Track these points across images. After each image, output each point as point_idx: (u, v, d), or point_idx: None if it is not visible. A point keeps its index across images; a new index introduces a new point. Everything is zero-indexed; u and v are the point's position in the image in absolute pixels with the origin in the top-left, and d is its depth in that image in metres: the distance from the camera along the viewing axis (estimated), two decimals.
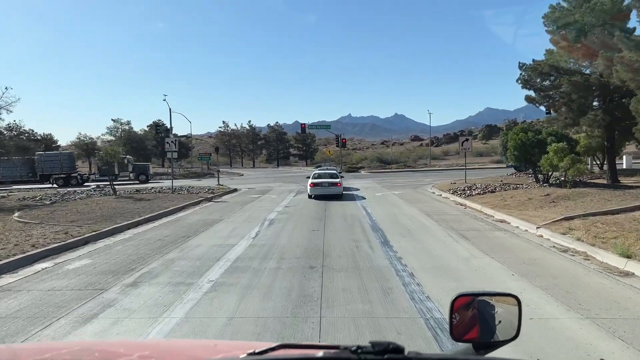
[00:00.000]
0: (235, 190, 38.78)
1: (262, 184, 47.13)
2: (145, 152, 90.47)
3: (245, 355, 1.44)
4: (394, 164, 76.75)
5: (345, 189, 33.21)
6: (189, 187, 40.36)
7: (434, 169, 65.44)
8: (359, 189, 35.62)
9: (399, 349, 1.36)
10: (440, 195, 28.99)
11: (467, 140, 33.01)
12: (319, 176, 30.62)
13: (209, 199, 30.27)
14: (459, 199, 25.42)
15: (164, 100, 72.29)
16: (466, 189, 28.98)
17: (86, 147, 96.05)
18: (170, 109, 75.90)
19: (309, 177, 31.95)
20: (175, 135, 69.58)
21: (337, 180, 29.32)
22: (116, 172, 53.80)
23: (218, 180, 45.26)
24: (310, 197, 29.32)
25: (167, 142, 32.84)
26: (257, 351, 1.46)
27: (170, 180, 38.34)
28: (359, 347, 1.35)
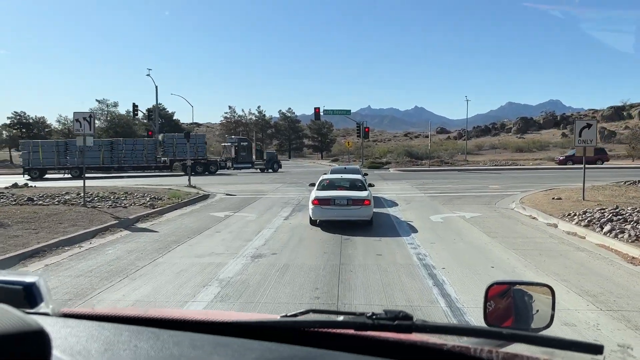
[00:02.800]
0: (204, 197, 25.32)
1: (255, 184, 33.64)
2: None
3: (280, 317, 1.61)
4: (426, 160, 62.57)
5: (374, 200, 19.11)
6: (138, 189, 26.93)
7: (483, 169, 50.88)
8: (395, 203, 21.93)
9: (407, 316, 1.51)
10: (565, 231, 15.13)
11: (588, 127, 18.95)
12: (332, 184, 17.12)
13: (131, 223, 16.76)
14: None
15: (148, 75, 59.23)
16: (613, 215, 15.13)
17: (68, 132, 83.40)
18: (156, 87, 62.09)
19: (313, 185, 18.43)
20: (154, 115, 56.11)
21: (364, 194, 15.72)
22: (253, 160, 54.48)
23: (189, 180, 31.65)
24: (313, 222, 15.84)
25: (77, 120, 19.32)
26: (289, 314, 1.64)
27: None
28: (373, 314, 1.52)
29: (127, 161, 49.41)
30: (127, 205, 20.39)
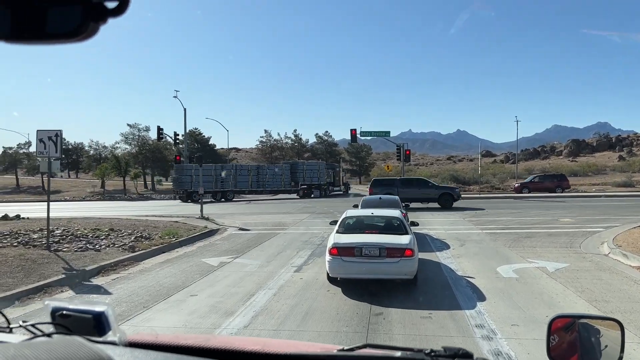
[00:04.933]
0: (210, 233, 20.93)
1: (279, 214, 29.16)
2: (163, 165, 74.17)
3: (336, 351, 1.63)
4: (474, 185, 57.07)
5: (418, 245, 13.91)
6: (147, 220, 22.82)
7: (542, 196, 45.04)
8: (445, 243, 17.00)
9: (468, 354, 1.48)
10: None
11: None
12: (359, 224, 12.40)
13: (86, 277, 12.41)
14: None
15: (175, 97, 55.94)
16: None
17: (99, 157, 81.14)
18: (185, 109, 59.02)
19: (335, 223, 13.57)
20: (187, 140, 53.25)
21: (404, 241, 10.94)
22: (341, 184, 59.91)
23: (201, 211, 27.36)
24: (332, 279, 11.14)
25: (41, 140, 15.24)
26: (346, 348, 1.64)
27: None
28: (432, 350, 1.50)
29: (269, 185, 52.69)
30: (103, 247, 16.08)
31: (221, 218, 26.71)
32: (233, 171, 51.25)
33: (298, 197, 52.06)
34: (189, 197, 46.68)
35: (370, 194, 28.06)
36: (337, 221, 13.06)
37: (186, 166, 48.27)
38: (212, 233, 21.01)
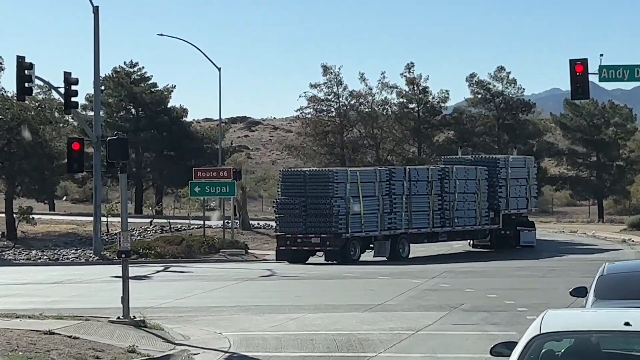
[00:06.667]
0: None
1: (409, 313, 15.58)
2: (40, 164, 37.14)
3: None
4: None
5: None
6: None
7: None
8: None
9: None
10: None
11: None
12: None
13: None
14: None
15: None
16: None
17: None
18: (95, 6, 34.88)
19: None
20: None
21: None
22: None
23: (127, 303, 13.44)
24: None
25: None
26: None
27: None
28: None
29: (460, 217, 30.90)
30: None
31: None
32: (404, 183, 29.41)
33: (476, 244, 32.97)
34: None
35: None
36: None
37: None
38: None
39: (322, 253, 28.01)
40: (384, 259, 28.04)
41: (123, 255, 13.40)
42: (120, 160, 13.66)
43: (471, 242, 32.81)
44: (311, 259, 27.94)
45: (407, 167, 32.91)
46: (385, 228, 28.36)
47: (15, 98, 29.76)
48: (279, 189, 29.20)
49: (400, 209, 28.73)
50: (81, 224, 38.57)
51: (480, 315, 13.63)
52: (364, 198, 27.78)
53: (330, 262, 27.39)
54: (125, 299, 12.72)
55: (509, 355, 3.87)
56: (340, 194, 27.37)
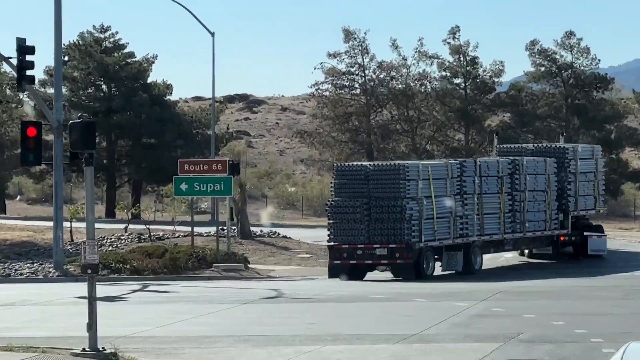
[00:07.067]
0: None
1: None
2: None
3: None
4: None
5: None
6: None
7: None
8: None
9: None
10: None
11: None
12: None
13: None
14: None
15: None
16: None
17: None
18: None
19: None
20: None
21: None
22: None
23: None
24: None
25: None
26: None
27: None
28: None
29: (531, 221, 32.56)
30: None
31: None
32: (474, 180, 30.82)
33: (534, 253, 34.97)
34: None
35: None
36: None
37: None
38: None
39: (384, 267, 28.80)
40: (454, 272, 29.57)
41: (89, 271, 13.71)
42: (85, 150, 13.93)
43: (526, 251, 34.64)
44: (369, 275, 28.92)
45: (477, 159, 33.87)
46: (457, 235, 29.23)
47: None
48: (332, 189, 30.05)
49: (472, 212, 29.72)
50: (39, 230, 39.66)
51: (543, 348, 14.16)
52: (435, 198, 28.78)
53: (399, 278, 28.36)
54: (92, 325, 13.16)
55: None
56: (411, 194, 27.92)
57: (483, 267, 31.19)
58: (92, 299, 13.40)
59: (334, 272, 28.54)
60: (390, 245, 27.63)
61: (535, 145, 40.06)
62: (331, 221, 29.07)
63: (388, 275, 28.96)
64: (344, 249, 28.30)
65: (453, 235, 29.02)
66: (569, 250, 33.92)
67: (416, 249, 27.76)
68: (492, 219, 30.68)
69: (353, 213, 28.19)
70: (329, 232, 29.68)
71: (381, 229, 27.82)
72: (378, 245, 27.77)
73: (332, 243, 28.92)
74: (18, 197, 63.14)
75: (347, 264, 28.19)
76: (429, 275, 28.12)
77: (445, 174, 29.20)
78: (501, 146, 37.68)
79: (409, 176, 28.03)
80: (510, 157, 33.22)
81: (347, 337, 15.68)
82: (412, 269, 27.97)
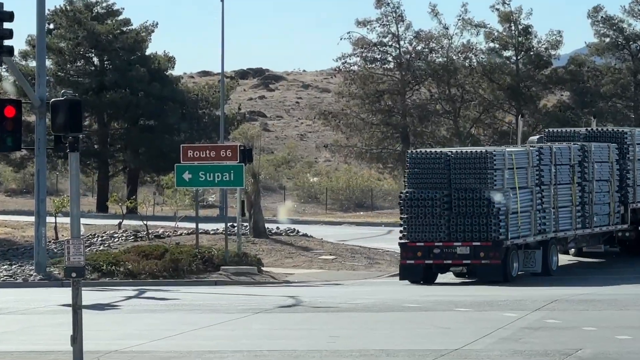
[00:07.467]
0: None
1: None
2: None
3: None
4: None
5: None
6: None
7: None
8: None
9: None
10: None
11: None
12: None
13: None
14: None
15: None
16: None
17: None
18: None
19: None
20: None
21: None
22: None
23: None
24: None
25: None
26: None
27: None
28: None
29: (598, 219, 34.16)
30: None
31: None
32: (550, 169, 31.68)
33: (585, 251, 36.00)
34: None
35: None
36: None
37: None
38: None
39: (462, 268, 29.91)
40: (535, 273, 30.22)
41: (74, 274, 13.54)
42: (69, 133, 13.72)
43: (572, 249, 35.26)
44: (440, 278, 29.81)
45: (552, 145, 33.92)
46: (537, 231, 29.76)
47: None
48: (406, 178, 30.55)
49: (549, 205, 30.33)
50: (18, 226, 40.20)
51: None
52: (519, 190, 29.34)
53: (483, 281, 28.64)
54: (76, 339, 12.95)
55: None
56: (498, 185, 28.36)
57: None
58: (77, 307, 13.31)
59: (405, 274, 29.08)
60: (474, 243, 27.94)
61: (589, 128, 40.21)
62: (404, 216, 29.34)
63: (450, 277, 29.73)
64: (419, 247, 28.48)
65: (533, 232, 29.49)
66: (615, 249, 35.18)
67: (503, 248, 27.97)
68: (564, 212, 31.26)
69: (432, 207, 28.31)
70: (402, 228, 29.89)
71: (464, 225, 28.18)
72: (459, 243, 28.14)
73: (404, 240, 29.15)
74: None
75: (421, 263, 28.58)
76: (514, 277, 28.48)
77: (526, 163, 29.67)
78: (549, 130, 38.37)
79: (495, 165, 28.44)
80: (579, 143, 33.58)
81: (376, 353, 15.10)
82: (499, 270, 28.16)
